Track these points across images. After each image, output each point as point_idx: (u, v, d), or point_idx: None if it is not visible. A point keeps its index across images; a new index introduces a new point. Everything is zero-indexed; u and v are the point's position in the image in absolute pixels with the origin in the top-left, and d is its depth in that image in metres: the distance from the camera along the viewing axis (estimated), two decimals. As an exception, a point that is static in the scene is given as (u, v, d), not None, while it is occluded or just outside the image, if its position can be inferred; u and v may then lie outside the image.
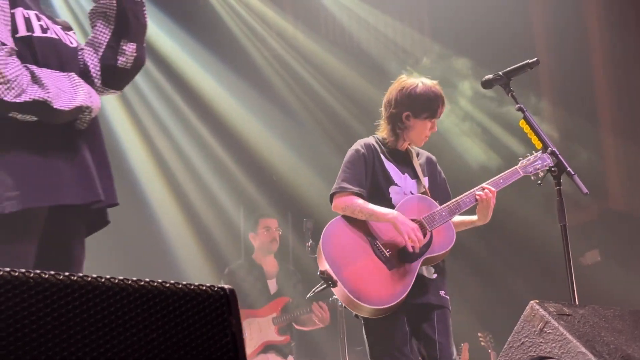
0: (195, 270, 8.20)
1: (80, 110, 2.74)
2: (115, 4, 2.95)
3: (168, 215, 8.49)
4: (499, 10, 8.11)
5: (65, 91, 2.72)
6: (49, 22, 2.90)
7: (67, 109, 2.69)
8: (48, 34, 2.84)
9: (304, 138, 8.82)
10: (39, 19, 2.84)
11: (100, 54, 2.97)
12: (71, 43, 2.98)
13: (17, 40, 2.70)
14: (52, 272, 1.35)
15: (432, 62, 8.35)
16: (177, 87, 8.72)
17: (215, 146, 8.75)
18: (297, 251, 8.12)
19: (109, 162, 2.99)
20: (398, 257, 4.03)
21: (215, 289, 1.56)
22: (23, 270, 1.32)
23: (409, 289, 3.95)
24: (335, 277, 3.93)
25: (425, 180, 4.28)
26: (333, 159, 6.99)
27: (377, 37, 8.91)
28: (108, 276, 1.43)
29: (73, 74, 2.81)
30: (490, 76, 4.05)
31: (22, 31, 2.73)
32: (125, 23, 2.96)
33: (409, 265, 4.01)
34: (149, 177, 8.46)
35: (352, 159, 4.20)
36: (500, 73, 4.05)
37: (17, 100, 2.59)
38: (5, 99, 2.58)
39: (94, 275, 1.41)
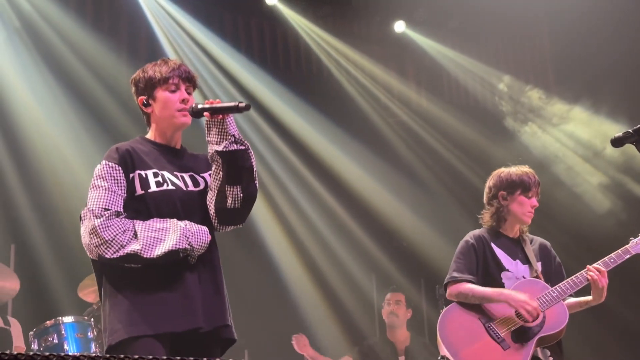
0: (331, 341, 8.25)
1: (173, 253, 3.19)
2: (218, 157, 3.34)
3: (301, 287, 8.62)
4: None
5: (160, 239, 3.21)
6: (168, 174, 3.39)
7: (155, 257, 3.18)
8: (163, 187, 3.34)
9: (433, 203, 8.84)
10: (156, 175, 3.36)
11: (214, 198, 3.38)
12: (195, 186, 3.44)
13: (135, 199, 3.30)
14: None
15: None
16: (303, 158, 8.94)
17: (344, 216, 8.88)
18: (432, 320, 8.05)
19: (221, 290, 3.39)
20: (512, 337, 4.21)
21: None
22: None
23: None
24: None
25: (538, 265, 4.44)
26: (463, 222, 6.97)
27: (499, 96, 8.92)
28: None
29: (174, 220, 3.28)
30: (620, 134, 3.98)
31: (138, 190, 3.30)
32: (229, 169, 3.34)
33: (524, 345, 4.18)
34: (281, 250, 8.64)
35: (463, 249, 4.45)
36: (630, 131, 3.99)
37: (114, 256, 3.16)
38: (105, 256, 3.17)
39: None
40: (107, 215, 3.21)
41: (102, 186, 3.30)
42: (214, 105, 3.36)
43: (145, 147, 3.43)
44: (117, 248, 3.16)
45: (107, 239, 3.16)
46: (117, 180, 3.31)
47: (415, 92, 9.37)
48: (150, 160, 3.41)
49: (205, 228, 3.32)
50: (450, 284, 4.41)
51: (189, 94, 3.52)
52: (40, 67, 7.82)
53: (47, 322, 5.38)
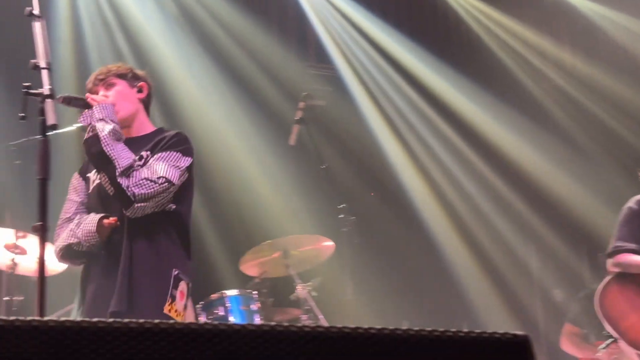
0: (491, 316, 8.14)
1: (65, 249, 3.52)
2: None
3: (459, 259, 8.54)
4: None
5: (61, 240, 3.54)
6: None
7: (58, 258, 3.60)
8: (94, 184, 3.61)
9: (592, 169, 8.51)
10: (94, 173, 3.60)
11: None
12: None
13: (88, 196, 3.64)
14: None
15: None
16: (457, 129, 8.83)
17: (501, 186, 8.71)
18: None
19: (121, 277, 3.39)
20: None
21: (510, 336, 1.52)
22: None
23: None
24: (615, 334, 3.95)
25: None
26: (625, 187, 6.68)
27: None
28: (404, 328, 1.48)
29: (84, 215, 3.56)
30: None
31: (88, 189, 3.65)
32: (89, 159, 3.55)
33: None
34: (438, 223, 8.59)
35: (625, 216, 4.32)
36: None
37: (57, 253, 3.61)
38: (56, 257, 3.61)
39: (397, 329, 1.47)
40: (58, 224, 3.60)
41: (68, 198, 3.71)
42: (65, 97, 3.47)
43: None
44: (56, 248, 3.58)
45: (56, 247, 3.58)
46: (75, 188, 3.70)
47: (570, 55, 9.02)
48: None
49: (93, 219, 3.45)
50: (613, 254, 4.27)
51: (112, 85, 3.69)
52: (197, 50, 8.10)
53: (213, 295, 5.60)
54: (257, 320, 5.51)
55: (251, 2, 8.40)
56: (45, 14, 3.07)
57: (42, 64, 2.82)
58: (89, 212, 3.53)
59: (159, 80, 7.93)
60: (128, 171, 3.33)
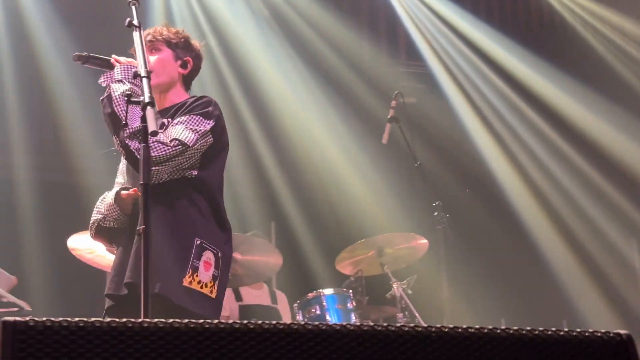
0: (592, 314, 7.96)
1: (93, 227, 3.43)
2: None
3: (557, 253, 8.39)
4: None
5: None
6: None
7: (91, 236, 3.52)
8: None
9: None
10: None
11: None
12: None
13: None
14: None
15: None
16: (550, 121, 8.66)
17: (597, 178, 8.51)
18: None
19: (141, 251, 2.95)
20: None
21: (611, 334, 1.50)
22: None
23: None
24: None
25: None
26: None
27: None
28: (502, 327, 1.48)
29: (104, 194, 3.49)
30: None
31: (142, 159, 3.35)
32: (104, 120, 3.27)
33: None
34: (536, 220, 8.45)
35: None
36: None
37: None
38: None
39: (496, 327, 1.48)
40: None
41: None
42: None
43: None
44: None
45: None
46: (120, 170, 3.63)
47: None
48: None
49: (113, 192, 3.35)
50: None
51: (157, 50, 3.53)
52: (288, 51, 8.19)
53: (309, 294, 5.65)
54: (353, 318, 5.54)
55: (341, 2, 8.45)
56: (144, 24, 3.17)
57: (142, 72, 2.89)
58: None
59: (252, 82, 8.07)
60: (139, 133, 3.02)
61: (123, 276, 3.14)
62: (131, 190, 3.26)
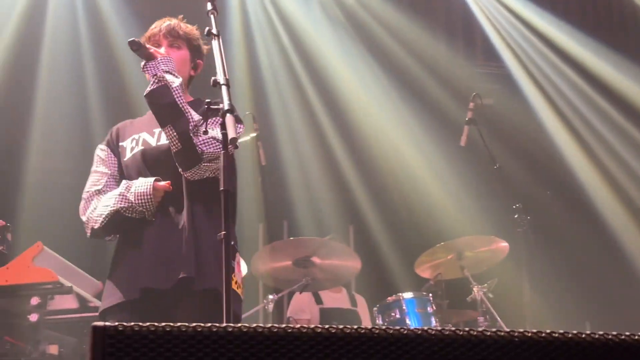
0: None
1: (114, 214, 3.27)
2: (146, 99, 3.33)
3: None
4: None
5: (106, 206, 3.30)
6: (143, 136, 3.46)
7: (97, 227, 3.33)
8: (134, 151, 3.42)
9: None
10: (132, 141, 3.46)
11: None
12: (159, 140, 3.42)
13: (122, 170, 3.43)
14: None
15: None
16: (636, 122, 8.45)
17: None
18: None
19: (188, 241, 3.21)
20: None
21: None
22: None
23: None
24: None
25: None
26: None
27: None
28: (587, 331, 1.46)
29: (123, 182, 3.33)
30: None
31: (123, 157, 3.44)
32: (155, 111, 3.28)
33: None
34: (620, 221, 8.26)
35: None
36: None
37: (88, 234, 3.42)
38: (88, 234, 3.41)
39: (581, 332, 1.46)
40: (85, 197, 3.43)
41: (93, 169, 3.52)
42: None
43: None
44: (86, 227, 3.40)
45: (86, 217, 3.39)
46: (104, 160, 3.50)
47: None
48: (138, 127, 3.53)
49: (146, 182, 3.25)
50: None
51: (177, 47, 3.51)
52: (363, 54, 8.20)
53: (389, 298, 5.65)
54: (434, 322, 5.51)
55: (416, 4, 8.42)
56: (223, 33, 3.21)
57: (222, 80, 2.93)
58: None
59: (328, 85, 8.11)
60: (197, 128, 3.16)
61: (169, 269, 3.15)
62: (165, 182, 3.26)
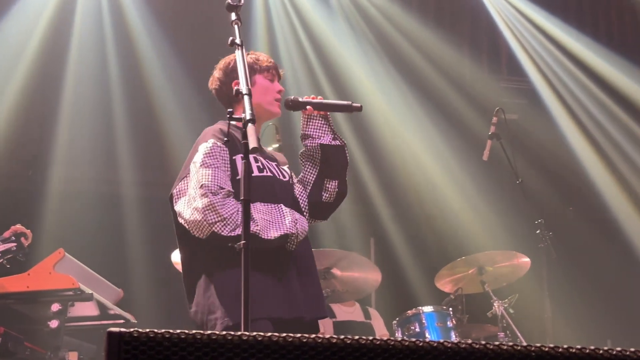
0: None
1: (285, 237, 3.22)
2: (320, 150, 3.46)
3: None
4: None
5: (273, 222, 3.22)
6: (265, 162, 3.46)
7: (272, 238, 3.18)
8: (264, 173, 3.38)
9: None
10: (256, 160, 3.40)
11: (307, 191, 3.50)
12: (284, 177, 3.50)
13: (238, 182, 3.07)
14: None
15: None
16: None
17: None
18: None
19: (318, 280, 3.47)
20: None
21: None
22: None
23: None
24: None
25: None
26: None
27: None
28: (606, 348, 1.45)
29: (281, 205, 3.30)
30: None
31: (241, 173, 2.99)
32: (328, 164, 3.46)
33: None
34: (637, 231, 8.20)
35: None
36: None
37: (231, 234, 3.10)
38: (222, 234, 3.11)
39: (599, 348, 1.45)
40: (223, 193, 3.18)
41: (213, 165, 3.24)
42: (323, 101, 3.44)
43: (238, 134, 3.17)
44: (233, 227, 3.11)
45: (225, 216, 3.12)
46: (225, 161, 3.30)
47: None
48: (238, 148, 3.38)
49: (301, 217, 3.36)
50: None
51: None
52: (387, 67, 8.21)
53: (409, 311, 5.62)
54: (453, 336, 5.49)
55: (441, 18, 8.43)
56: (246, 42, 3.23)
57: (244, 90, 2.95)
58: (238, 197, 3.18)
59: (352, 98, 8.09)
60: None
61: (319, 303, 3.40)
62: None
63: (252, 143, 2.79)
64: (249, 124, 2.83)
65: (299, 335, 1.42)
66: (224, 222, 3.12)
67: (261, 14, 8.01)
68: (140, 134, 7.50)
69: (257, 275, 3.05)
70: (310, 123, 3.48)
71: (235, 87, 3.09)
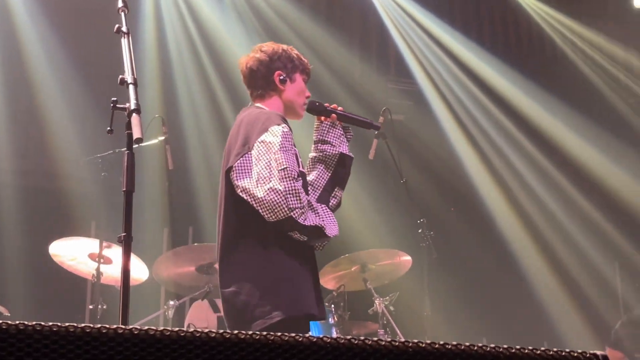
0: (572, 334, 7.98)
1: (330, 238, 3.28)
2: (338, 158, 3.48)
3: (539, 276, 8.41)
4: None
5: (331, 221, 3.28)
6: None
7: (331, 236, 3.25)
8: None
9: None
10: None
11: (317, 194, 3.42)
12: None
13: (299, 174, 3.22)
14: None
15: None
16: (538, 144, 8.71)
17: (583, 202, 8.55)
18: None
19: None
20: None
21: (588, 355, 1.50)
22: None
23: None
24: None
25: None
26: None
27: None
28: (481, 344, 1.47)
29: (325, 206, 3.35)
30: None
31: (300, 166, 3.26)
32: (344, 172, 3.50)
33: None
34: (519, 240, 8.48)
35: None
36: None
37: (305, 223, 3.13)
38: (298, 220, 3.11)
39: (473, 344, 1.47)
40: (301, 181, 3.21)
41: (290, 150, 3.23)
42: (347, 113, 3.56)
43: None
44: (305, 216, 3.14)
45: (304, 204, 3.13)
46: (292, 145, 3.33)
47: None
48: None
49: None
50: None
51: None
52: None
53: (290, 307, 5.62)
54: (334, 333, 5.53)
55: (332, 18, 8.47)
56: (133, 32, 3.16)
57: (129, 79, 2.88)
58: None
59: (241, 93, 8.06)
60: None
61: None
62: None
63: (137, 134, 2.72)
64: (134, 114, 2.76)
65: (177, 329, 1.39)
66: (302, 210, 3.11)
67: (151, 5, 7.84)
68: (19, 121, 7.22)
69: (304, 273, 3.22)
70: (332, 131, 3.53)
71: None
